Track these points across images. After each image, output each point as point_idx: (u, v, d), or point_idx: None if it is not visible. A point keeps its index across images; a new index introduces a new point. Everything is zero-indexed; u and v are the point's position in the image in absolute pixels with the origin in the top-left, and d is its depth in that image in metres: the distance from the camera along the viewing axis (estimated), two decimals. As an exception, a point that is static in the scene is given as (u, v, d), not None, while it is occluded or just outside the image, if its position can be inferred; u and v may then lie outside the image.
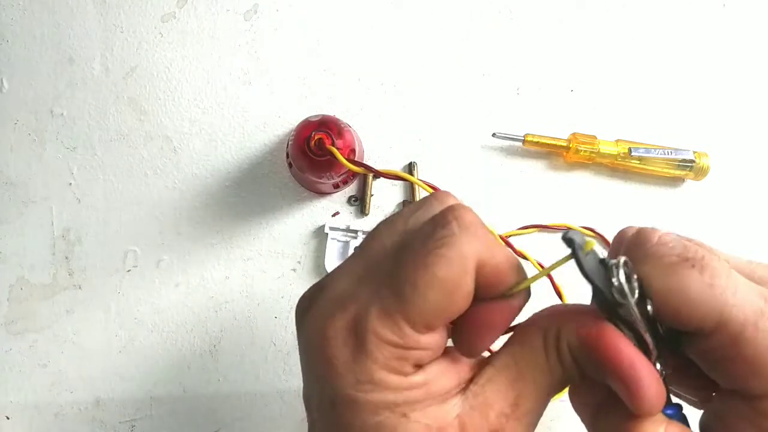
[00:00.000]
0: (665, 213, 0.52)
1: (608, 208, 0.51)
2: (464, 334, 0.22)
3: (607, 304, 0.20)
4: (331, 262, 0.49)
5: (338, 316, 0.21)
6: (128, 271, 0.48)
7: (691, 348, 0.21)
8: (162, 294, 0.48)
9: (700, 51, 0.54)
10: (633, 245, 0.22)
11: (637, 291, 0.20)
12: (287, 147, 0.48)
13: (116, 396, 0.48)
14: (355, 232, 0.49)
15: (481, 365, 0.23)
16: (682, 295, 0.20)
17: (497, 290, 0.22)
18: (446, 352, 0.23)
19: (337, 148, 0.42)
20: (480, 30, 0.52)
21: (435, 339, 0.21)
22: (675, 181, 0.53)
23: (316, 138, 0.42)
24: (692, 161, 0.50)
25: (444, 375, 0.22)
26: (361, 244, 0.24)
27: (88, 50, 0.49)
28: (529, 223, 0.50)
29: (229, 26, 0.50)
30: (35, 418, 0.47)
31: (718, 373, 0.21)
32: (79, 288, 0.48)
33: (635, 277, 0.20)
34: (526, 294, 0.22)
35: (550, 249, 0.50)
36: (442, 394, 0.21)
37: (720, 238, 0.52)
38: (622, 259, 0.20)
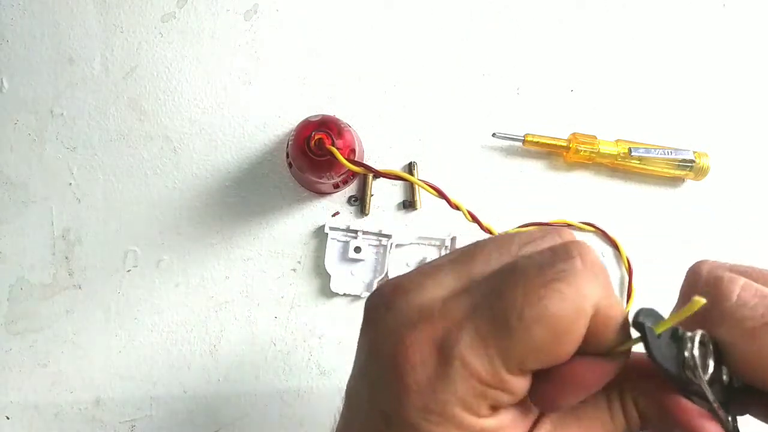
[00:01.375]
0: (665, 213, 0.52)
1: (608, 209, 0.51)
2: (550, 385, 0.19)
3: (679, 381, 0.19)
4: (331, 262, 0.49)
5: (423, 328, 0.19)
6: (128, 271, 0.48)
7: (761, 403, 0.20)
8: (162, 294, 0.48)
9: (700, 51, 0.54)
10: (709, 306, 0.19)
11: (711, 366, 0.18)
12: (287, 147, 0.48)
13: (116, 396, 0.48)
14: (355, 232, 0.49)
15: (540, 418, 0.21)
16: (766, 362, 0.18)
17: (601, 345, 0.19)
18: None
19: (337, 148, 0.42)
20: (480, 30, 0.52)
21: (522, 384, 0.19)
22: (675, 181, 0.53)
23: (316, 138, 0.42)
24: (692, 161, 0.50)
25: (514, 424, 0.20)
26: (461, 251, 0.21)
27: (88, 50, 0.49)
28: (529, 223, 0.50)
29: (229, 26, 0.50)
30: (35, 418, 0.47)
31: None
32: (79, 288, 0.48)
33: (710, 348, 0.19)
34: (627, 357, 0.20)
35: None
36: None
37: (720, 239, 0.52)
38: (699, 334, 0.18)
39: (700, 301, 0.17)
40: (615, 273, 0.52)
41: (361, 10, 0.51)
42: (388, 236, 0.49)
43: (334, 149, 0.41)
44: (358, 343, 0.22)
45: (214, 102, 0.49)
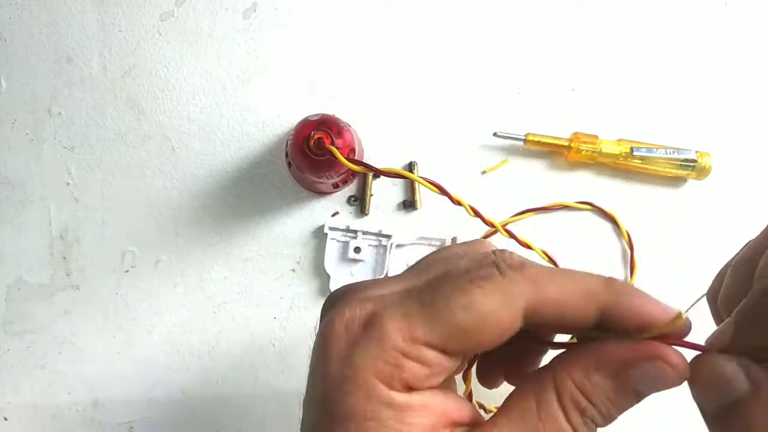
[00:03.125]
0: (667, 213, 0.52)
1: (610, 208, 0.51)
2: (489, 366, 0.22)
3: None
4: (331, 262, 0.49)
5: (354, 307, 0.20)
6: (126, 271, 0.48)
7: None
8: (160, 295, 0.48)
9: (702, 50, 0.53)
10: None
11: None
12: (286, 146, 0.47)
13: (114, 397, 0.47)
14: (355, 232, 0.49)
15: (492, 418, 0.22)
16: None
17: (543, 336, 0.21)
18: (450, 393, 0.22)
19: (337, 148, 0.41)
20: (480, 30, 0.51)
21: (443, 362, 0.20)
22: (677, 180, 0.52)
23: (315, 137, 0.42)
24: (694, 161, 0.50)
25: (424, 408, 0.20)
26: (412, 266, 0.24)
27: (86, 49, 0.49)
28: (529, 226, 0.50)
29: (227, 25, 0.50)
30: (33, 419, 0.47)
31: None
32: (77, 288, 0.48)
33: None
34: (562, 348, 0.21)
35: (551, 232, 0.50)
36: (448, 422, 0.20)
37: (722, 239, 0.52)
38: None
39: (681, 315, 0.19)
40: (617, 247, 0.51)
41: (360, 9, 0.50)
42: (388, 236, 0.49)
43: (333, 149, 0.41)
44: None
45: (213, 101, 0.49)
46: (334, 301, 0.23)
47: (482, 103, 0.51)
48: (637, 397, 0.20)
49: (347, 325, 0.20)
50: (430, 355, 0.20)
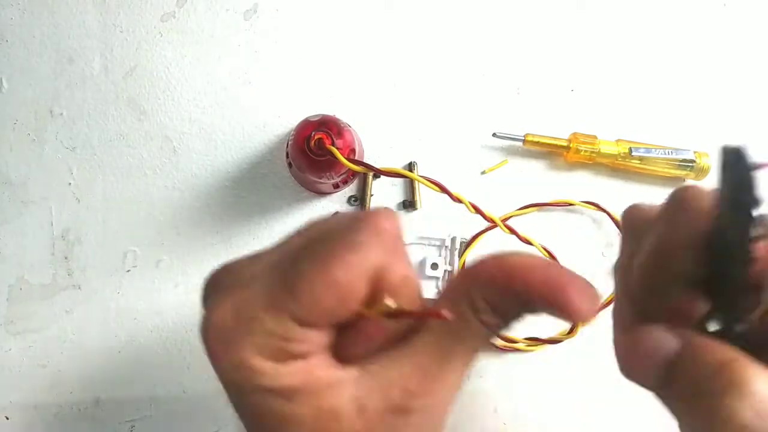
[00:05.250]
0: (666, 213, 0.52)
1: (609, 208, 0.51)
2: (341, 338, 0.22)
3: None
4: (331, 262, 0.49)
5: (230, 299, 0.21)
6: (128, 271, 0.48)
7: None
8: (161, 294, 0.48)
9: (701, 50, 0.54)
10: None
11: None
12: (287, 147, 0.48)
13: (116, 396, 0.48)
14: (355, 232, 0.49)
15: (387, 345, 0.22)
16: None
17: (386, 305, 0.21)
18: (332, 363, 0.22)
19: (337, 148, 0.42)
20: (480, 30, 0.52)
21: (318, 336, 0.21)
22: (675, 181, 0.52)
23: (315, 138, 0.42)
24: (693, 161, 0.50)
25: (332, 363, 0.21)
26: (288, 235, 0.25)
27: (87, 50, 0.49)
28: (530, 223, 0.50)
29: (228, 26, 0.50)
30: (35, 419, 0.47)
31: None
32: (79, 288, 0.48)
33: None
34: (410, 318, 0.21)
35: (552, 229, 0.50)
36: (330, 379, 0.21)
37: (721, 238, 0.52)
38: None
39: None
40: (589, 264, 0.51)
41: (361, 10, 0.51)
42: (388, 236, 0.49)
43: (333, 149, 0.41)
44: None
45: (214, 102, 0.49)
46: (209, 290, 0.23)
47: (482, 104, 0.51)
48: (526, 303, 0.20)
49: (224, 317, 0.21)
50: (305, 333, 0.20)
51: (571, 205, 0.50)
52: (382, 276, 0.21)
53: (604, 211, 0.50)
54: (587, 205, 0.50)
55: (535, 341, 0.48)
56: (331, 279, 0.19)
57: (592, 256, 0.51)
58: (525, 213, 0.50)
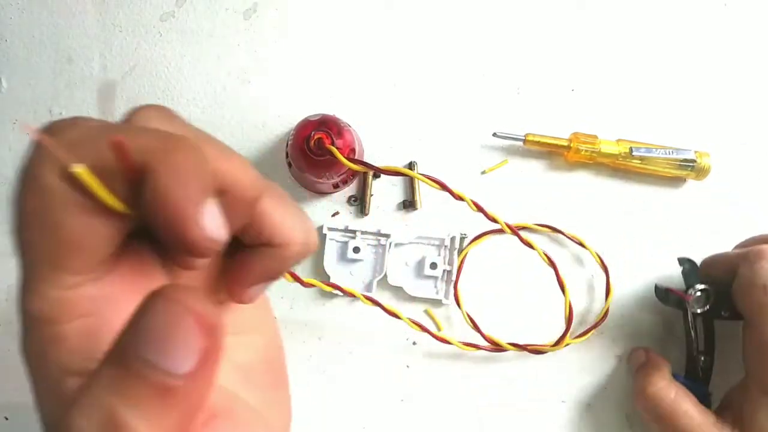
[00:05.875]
0: (666, 213, 0.52)
1: (609, 208, 0.51)
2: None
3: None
4: (330, 262, 0.49)
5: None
6: (127, 271, 0.48)
7: None
8: (161, 294, 0.48)
9: (702, 50, 0.53)
10: None
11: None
12: (287, 147, 0.47)
13: (115, 396, 0.47)
14: (354, 232, 0.49)
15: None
16: None
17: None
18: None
19: (337, 148, 0.42)
20: (480, 30, 0.52)
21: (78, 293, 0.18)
22: (676, 181, 0.52)
23: (315, 137, 0.42)
24: (693, 161, 0.50)
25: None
26: None
27: (87, 49, 0.49)
28: (530, 224, 0.50)
29: (228, 25, 0.50)
30: (34, 419, 0.47)
31: None
32: (78, 288, 0.48)
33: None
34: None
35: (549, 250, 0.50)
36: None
37: (721, 239, 0.52)
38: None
39: None
40: (590, 272, 0.51)
41: (361, 9, 0.51)
42: (387, 236, 0.49)
43: (333, 149, 0.41)
44: None
45: (213, 101, 0.49)
46: None
47: (482, 104, 0.51)
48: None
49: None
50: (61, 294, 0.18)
51: (526, 228, 0.49)
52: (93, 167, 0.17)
53: (558, 231, 0.50)
54: (541, 227, 0.50)
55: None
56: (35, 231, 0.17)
57: (592, 264, 0.51)
58: (541, 231, 0.50)
